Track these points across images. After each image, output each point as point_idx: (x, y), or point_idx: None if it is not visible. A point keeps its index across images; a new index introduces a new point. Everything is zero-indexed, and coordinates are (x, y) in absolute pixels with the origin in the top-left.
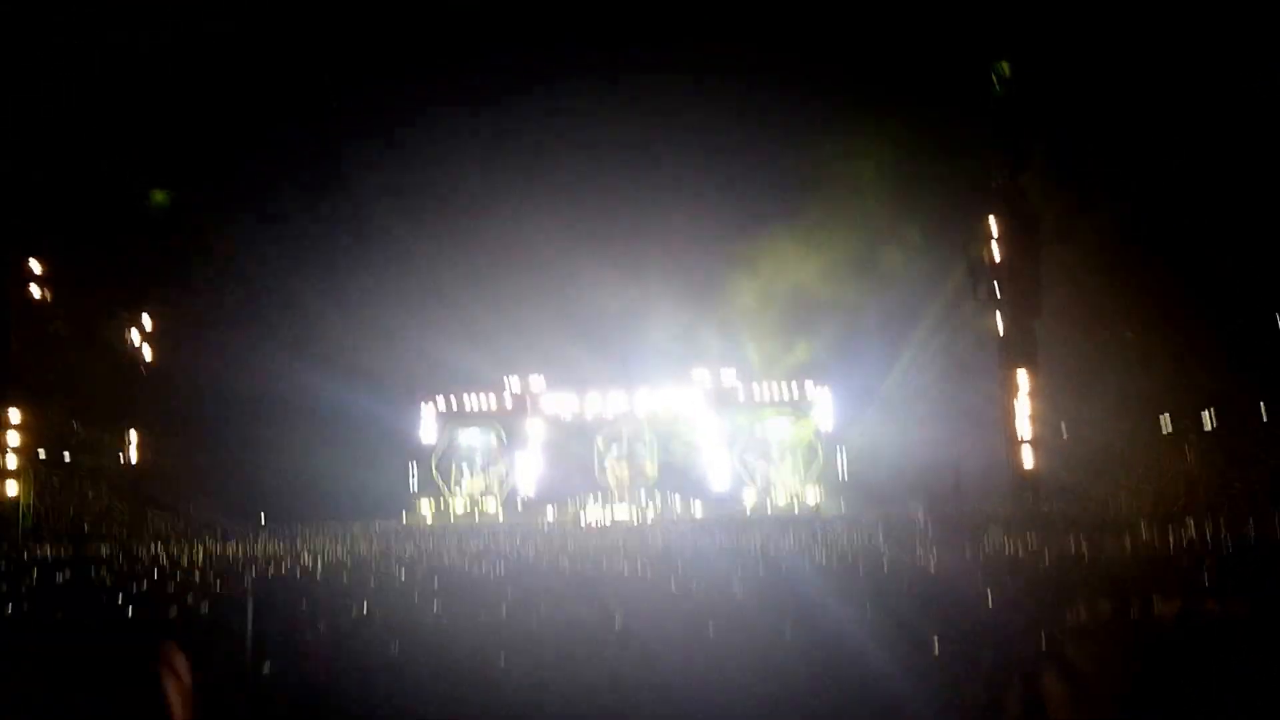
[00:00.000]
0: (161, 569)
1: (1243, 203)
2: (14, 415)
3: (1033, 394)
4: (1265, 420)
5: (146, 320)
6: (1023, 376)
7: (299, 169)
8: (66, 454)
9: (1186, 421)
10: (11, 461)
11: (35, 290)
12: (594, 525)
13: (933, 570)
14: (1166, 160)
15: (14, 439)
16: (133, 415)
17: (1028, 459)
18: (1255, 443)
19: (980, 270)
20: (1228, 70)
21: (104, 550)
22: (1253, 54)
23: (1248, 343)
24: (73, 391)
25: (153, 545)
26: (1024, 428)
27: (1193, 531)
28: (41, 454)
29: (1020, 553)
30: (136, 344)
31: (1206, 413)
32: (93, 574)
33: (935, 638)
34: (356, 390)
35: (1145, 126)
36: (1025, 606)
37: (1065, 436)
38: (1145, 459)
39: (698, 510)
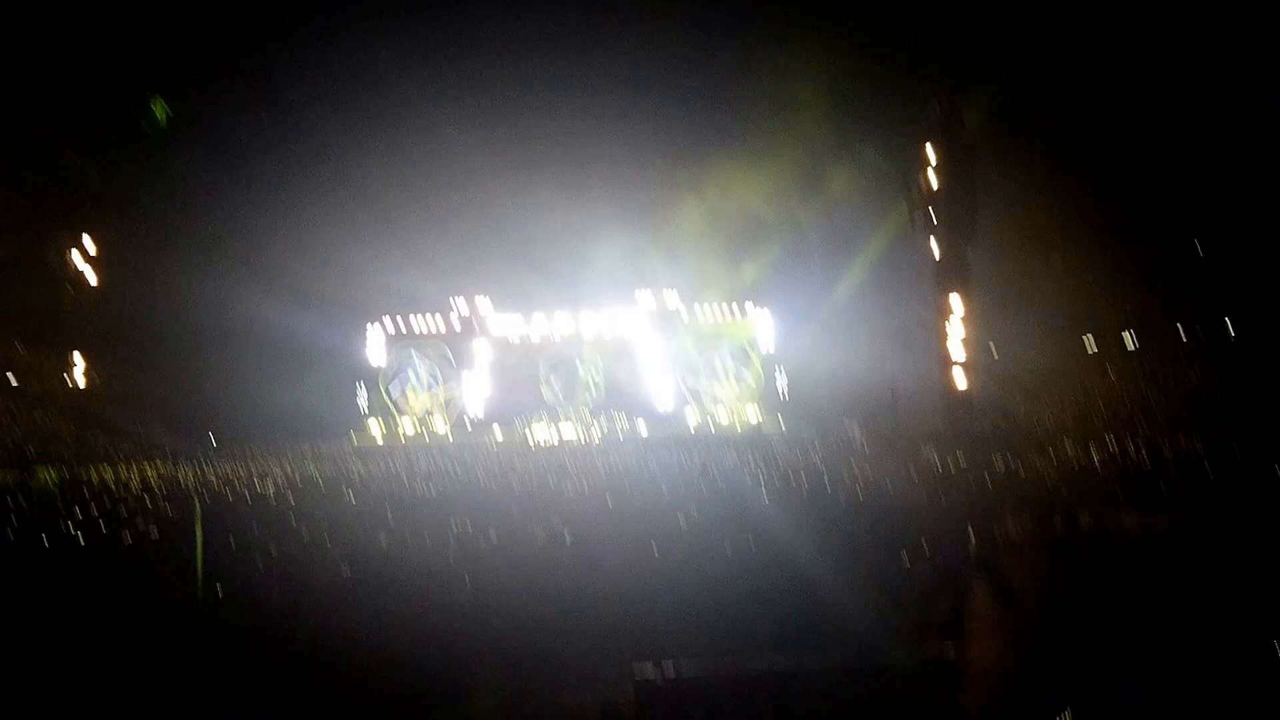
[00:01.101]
0: (111, 493)
1: (1169, 131)
2: None
3: (965, 317)
4: (1184, 341)
5: (89, 242)
6: (956, 300)
7: (243, 90)
8: (12, 378)
9: (1110, 342)
10: None
11: None
12: (541, 445)
13: (868, 486)
14: (1098, 90)
15: None
16: (78, 338)
17: (960, 379)
18: (1174, 363)
19: (917, 196)
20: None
21: (53, 475)
22: None
23: (1169, 267)
24: (16, 316)
25: (102, 469)
26: (956, 349)
27: (1114, 447)
28: None
29: (952, 469)
30: (80, 266)
31: (1129, 334)
32: (42, 499)
33: (870, 551)
34: (304, 313)
35: (1079, 58)
36: (956, 520)
37: (996, 357)
38: (1071, 378)
39: (642, 429)
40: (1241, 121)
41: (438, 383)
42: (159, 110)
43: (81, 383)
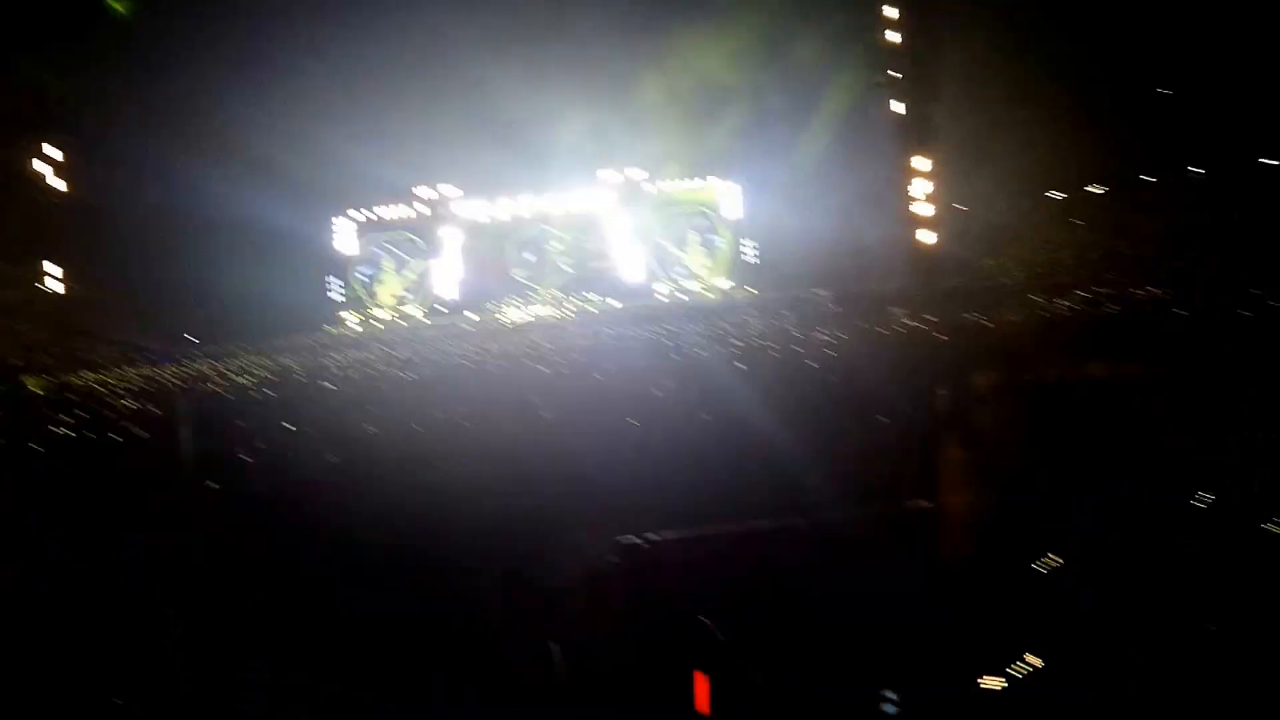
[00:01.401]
0: (96, 397)
1: None
2: None
3: (931, 175)
4: (1149, 190)
5: (53, 145)
6: (920, 159)
7: None
8: None
9: (1077, 195)
10: None
11: None
12: (513, 325)
13: (838, 348)
14: None
15: None
16: (49, 245)
17: (926, 237)
18: (1140, 212)
19: (878, 56)
20: None
21: (36, 383)
22: None
23: (1134, 117)
24: None
25: (84, 375)
26: (923, 208)
27: (1082, 298)
28: None
29: (921, 326)
30: (45, 169)
31: (1094, 185)
32: (28, 407)
33: (842, 412)
34: (271, 204)
35: None
36: (926, 377)
37: (961, 214)
38: (1038, 232)
39: (613, 304)
40: None
41: (408, 269)
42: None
43: (58, 290)
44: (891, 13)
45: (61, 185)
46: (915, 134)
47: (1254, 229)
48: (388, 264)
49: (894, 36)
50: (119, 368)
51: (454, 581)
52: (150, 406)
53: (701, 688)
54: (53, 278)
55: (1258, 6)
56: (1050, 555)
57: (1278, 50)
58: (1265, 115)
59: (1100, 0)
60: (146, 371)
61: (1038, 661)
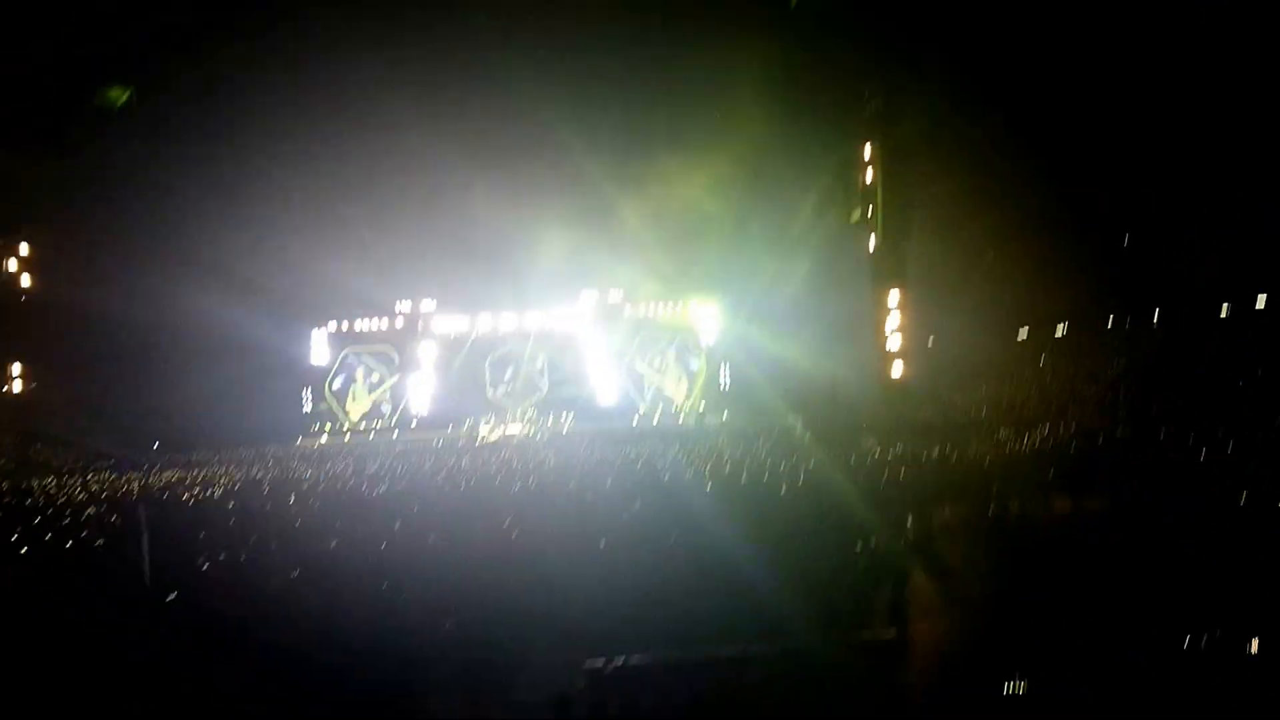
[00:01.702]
0: (54, 503)
1: (1100, 131)
2: None
3: (902, 309)
4: (1111, 333)
5: (24, 247)
6: (893, 294)
7: (184, 92)
8: None
9: (1043, 334)
10: None
11: None
12: (486, 442)
13: (810, 476)
14: (1032, 90)
15: None
16: (15, 346)
17: (897, 370)
18: (1102, 353)
19: (855, 194)
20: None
21: None
22: None
23: (1099, 263)
24: None
25: (44, 479)
26: (894, 341)
27: (1047, 434)
28: None
29: (890, 457)
30: (14, 271)
31: (1060, 326)
32: None
33: (812, 540)
34: (247, 315)
35: (1014, 58)
36: (896, 507)
37: (931, 349)
38: (1006, 369)
39: (587, 426)
40: (1172, 121)
41: (382, 383)
42: (115, 96)
43: (19, 391)
44: (869, 153)
45: (26, 282)
46: (888, 269)
47: (1216, 373)
48: (361, 376)
49: (870, 176)
50: (80, 473)
51: (418, 702)
52: (110, 513)
53: None
54: (13, 378)
55: (1219, 144)
56: (1014, 682)
57: (1241, 195)
58: (1229, 260)
59: (1072, 151)
60: (107, 478)
61: None
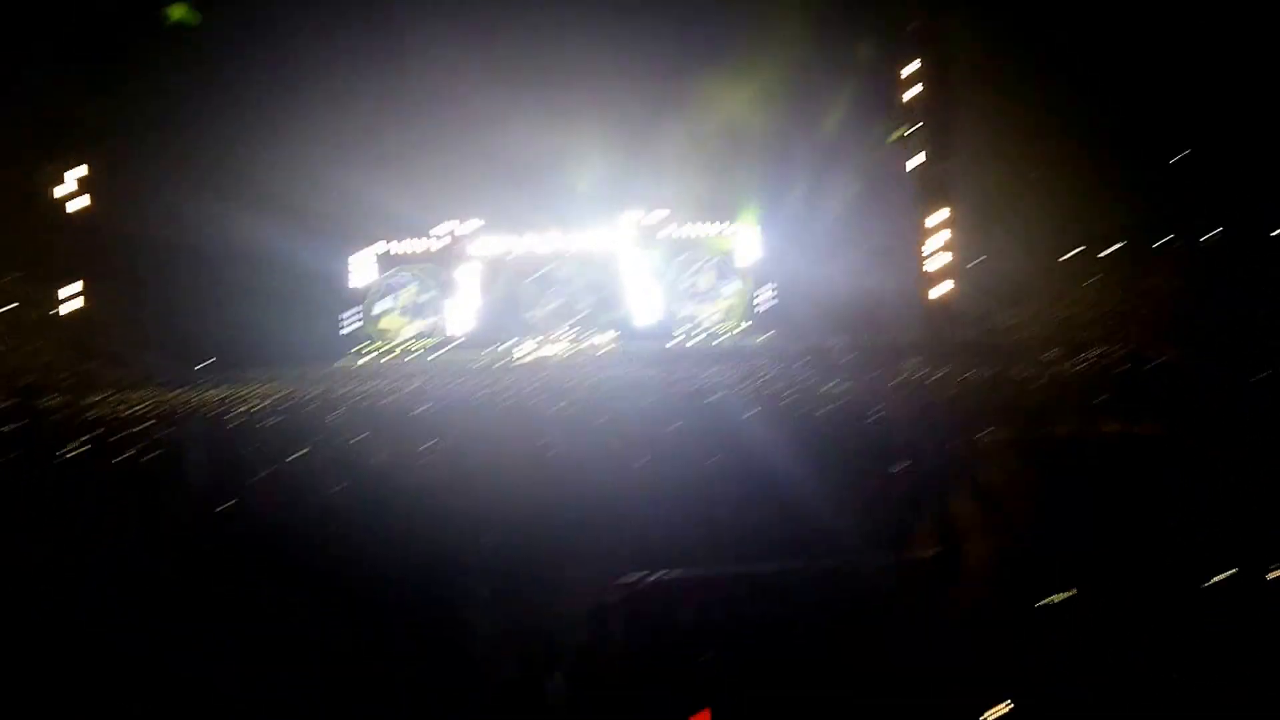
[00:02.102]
0: (112, 418)
1: (1149, 45)
2: None
3: (947, 229)
4: (1164, 253)
5: (83, 168)
6: (938, 213)
7: (230, 10)
8: (8, 307)
9: (1092, 254)
10: None
11: None
12: (525, 363)
13: (851, 398)
14: (1079, 3)
15: None
16: (73, 265)
17: (939, 291)
18: (1154, 274)
19: (899, 110)
20: None
21: (53, 402)
22: None
23: (1150, 179)
24: (12, 244)
25: (101, 395)
26: (938, 261)
27: (1095, 356)
28: None
29: (933, 379)
30: (73, 192)
31: (1110, 245)
32: (44, 425)
33: (853, 462)
34: (293, 237)
35: None
36: (938, 429)
37: (976, 269)
38: (1052, 289)
39: (627, 346)
40: (1220, 38)
41: (424, 304)
42: (175, 14)
43: (76, 310)
44: (914, 69)
45: (85, 206)
46: (934, 188)
47: (1265, 294)
48: (404, 297)
49: (915, 92)
50: (134, 390)
51: (456, 612)
52: (164, 430)
53: None
54: (72, 298)
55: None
56: (1054, 598)
57: None
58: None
59: (1121, 65)
60: (161, 396)
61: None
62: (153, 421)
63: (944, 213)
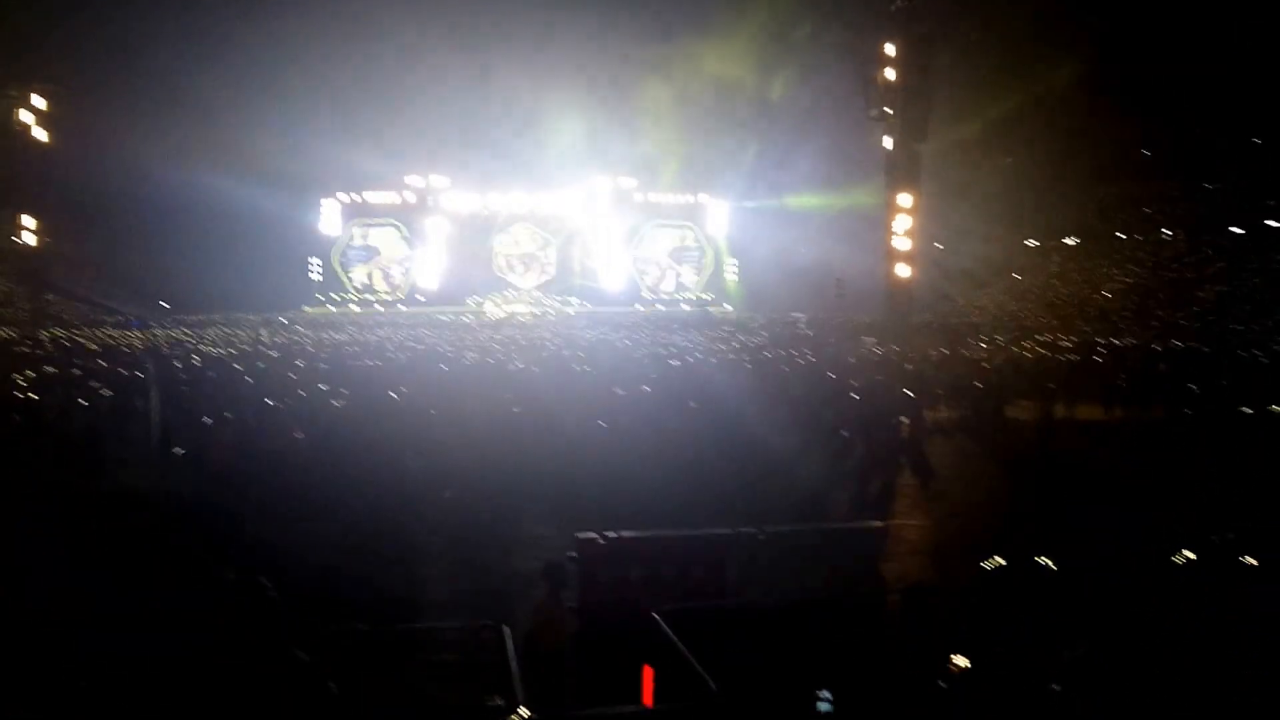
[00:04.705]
0: (66, 354)
1: (1123, 34)
2: None
3: (913, 211)
4: (1119, 244)
5: (39, 100)
6: (905, 196)
7: None
8: None
9: (1051, 243)
10: None
11: None
12: (492, 319)
13: (810, 370)
14: None
15: None
16: (29, 197)
17: (903, 270)
18: (1110, 266)
19: (874, 91)
20: None
21: (5, 334)
22: None
23: (1115, 174)
24: None
25: (55, 331)
26: (903, 241)
27: (1047, 340)
28: None
29: (892, 355)
30: (29, 123)
31: (1067, 238)
32: None
33: (809, 432)
34: (260, 184)
35: None
36: (891, 404)
37: (939, 251)
38: (1011, 275)
39: (592, 309)
40: (1187, 32)
41: (391, 256)
42: None
43: (34, 244)
44: (890, 51)
45: (44, 137)
46: (901, 170)
47: (1224, 290)
48: (370, 249)
49: (889, 74)
50: (89, 327)
51: (414, 568)
52: (118, 368)
53: (648, 681)
54: (28, 230)
55: (1242, 69)
56: (988, 574)
57: (1255, 115)
58: (1239, 179)
59: (1090, 58)
60: (116, 333)
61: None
62: (107, 358)
63: (910, 194)
